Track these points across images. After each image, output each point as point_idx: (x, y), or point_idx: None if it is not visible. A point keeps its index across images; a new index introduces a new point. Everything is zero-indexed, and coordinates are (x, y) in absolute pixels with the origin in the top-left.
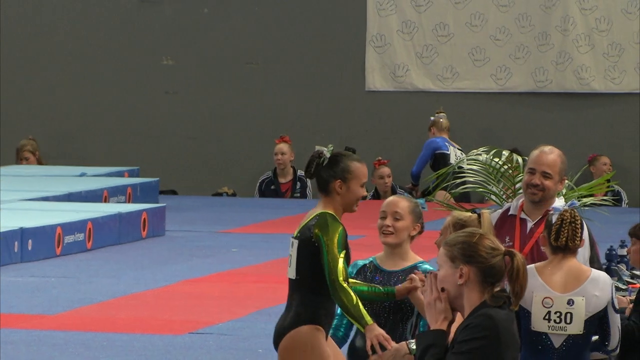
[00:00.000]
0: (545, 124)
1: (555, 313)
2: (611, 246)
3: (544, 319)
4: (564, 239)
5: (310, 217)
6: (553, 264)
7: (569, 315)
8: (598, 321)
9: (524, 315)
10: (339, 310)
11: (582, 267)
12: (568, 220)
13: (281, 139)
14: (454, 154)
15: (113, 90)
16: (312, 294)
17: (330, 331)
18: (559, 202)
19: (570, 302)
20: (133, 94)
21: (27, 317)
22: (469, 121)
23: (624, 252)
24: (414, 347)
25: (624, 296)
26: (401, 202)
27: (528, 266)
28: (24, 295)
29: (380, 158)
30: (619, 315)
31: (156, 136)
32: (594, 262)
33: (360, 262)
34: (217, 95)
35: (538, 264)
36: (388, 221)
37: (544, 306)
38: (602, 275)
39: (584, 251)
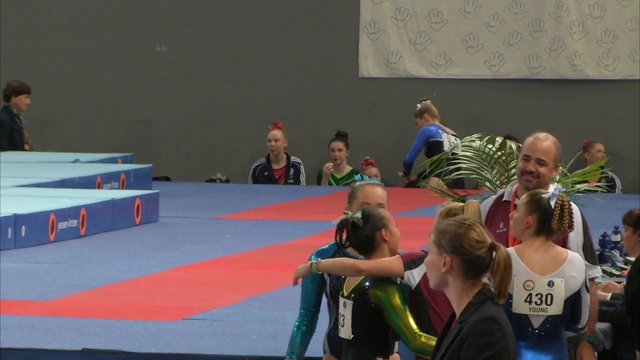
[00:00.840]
0: (538, 111)
1: (537, 295)
2: (605, 232)
3: (525, 301)
4: (567, 224)
5: (361, 278)
6: (534, 247)
7: (549, 296)
8: (572, 301)
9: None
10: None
11: (558, 248)
12: (566, 206)
13: (275, 126)
14: (448, 140)
15: (107, 77)
16: (368, 351)
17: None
18: (552, 188)
19: (550, 284)
20: (127, 81)
21: (21, 303)
22: (463, 108)
23: (617, 238)
24: None
25: (619, 282)
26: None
27: (509, 249)
28: (17, 281)
29: (368, 158)
30: (589, 295)
31: (150, 123)
32: (586, 249)
33: (324, 249)
34: (211, 82)
35: (517, 246)
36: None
37: (525, 289)
38: (577, 256)
39: (577, 237)
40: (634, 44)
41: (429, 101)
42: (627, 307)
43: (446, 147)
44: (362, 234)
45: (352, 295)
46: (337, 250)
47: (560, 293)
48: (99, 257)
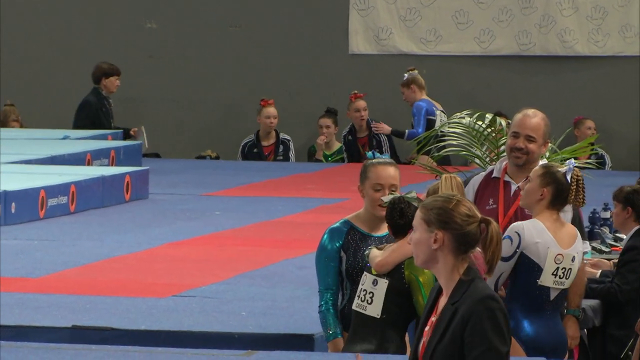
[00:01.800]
0: (528, 87)
1: (562, 269)
2: (594, 209)
3: (552, 274)
4: (581, 199)
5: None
6: (552, 220)
7: (570, 271)
8: None
9: (531, 270)
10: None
11: (567, 223)
12: (581, 181)
13: (266, 102)
14: (439, 119)
15: (96, 54)
16: (394, 331)
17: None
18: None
19: (573, 259)
20: (116, 58)
21: (10, 280)
22: (453, 84)
23: (607, 215)
24: None
25: (608, 259)
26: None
27: (535, 221)
28: (7, 258)
29: (356, 92)
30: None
31: (139, 99)
32: (575, 224)
33: (337, 227)
34: (201, 58)
35: (540, 219)
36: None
37: (556, 262)
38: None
39: (566, 213)
40: (624, 20)
41: (416, 71)
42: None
43: (437, 125)
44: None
45: (385, 275)
46: (351, 227)
47: (576, 268)
48: (89, 234)
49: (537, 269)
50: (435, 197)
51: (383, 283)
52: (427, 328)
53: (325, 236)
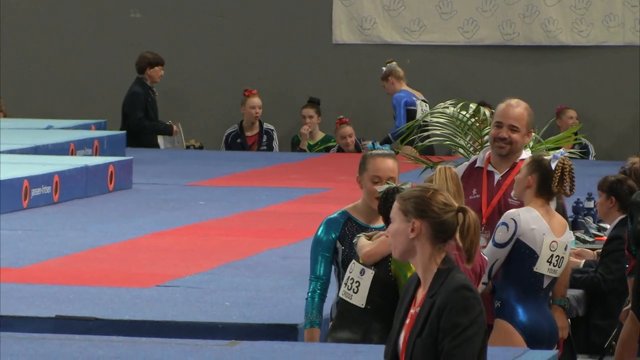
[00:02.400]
0: (512, 77)
1: (556, 257)
2: (578, 199)
3: (547, 261)
4: (566, 185)
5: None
6: (544, 209)
7: (562, 259)
8: None
9: (527, 257)
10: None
11: (556, 213)
12: (568, 169)
13: (250, 92)
14: (420, 108)
15: (80, 43)
16: (380, 322)
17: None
18: (525, 154)
19: (565, 248)
20: (101, 47)
21: None
22: (436, 74)
23: (591, 205)
24: None
25: (592, 249)
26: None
27: (529, 208)
28: None
29: (342, 117)
30: None
31: (124, 89)
32: (558, 212)
33: (334, 218)
34: (185, 48)
35: (533, 206)
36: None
37: (551, 250)
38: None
39: (551, 204)
40: (608, 10)
41: (394, 63)
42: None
43: (419, 114)
44: None
45: (373, 265)
46: (348, 218)
47: (567, 257)
48: (73, 224)
49: (533, 256)
50: (413, 188)
51: (369, 273)
52: (407, 321)
53: (322, 226)
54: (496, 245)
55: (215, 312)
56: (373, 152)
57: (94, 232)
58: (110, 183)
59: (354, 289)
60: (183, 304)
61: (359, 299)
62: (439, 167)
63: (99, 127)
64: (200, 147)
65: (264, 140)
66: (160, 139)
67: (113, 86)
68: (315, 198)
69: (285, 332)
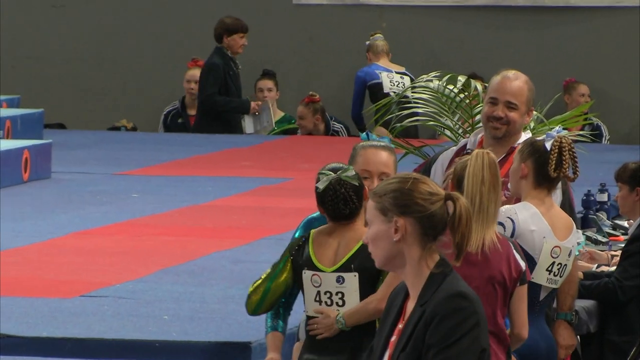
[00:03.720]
0: (509, 45)
1: (557, 265)
2: (589, 191)
3: (547, 270)
4: (567, 167)
5: (359, 245)
6: (543, 204)
7: (565, 268)
8: None
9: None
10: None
11: (562, 211)
12: (567, 148)
13: (194, 63)
14: (388, 80)
15: None
16: (370, 336)
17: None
18: (524, 137)
19: (569, 254)
20: (12, 9)
21: None
22: (418, 41)
23: (604, 197)
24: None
25: (603, 250)
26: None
27: (527, 204)
28: None
29: (312, 93)
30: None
31: (41, 59)
32: (565, 210)
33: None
34: (116, 9)
35: (532, 202)
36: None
37: (552, 256)
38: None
39: (555, 197)
40: None
41: (377, 36)
42: None
43: (387, 87)
44: (359, 198)
45: (352, 267)
46: None
47: (571, 265)
48: None
49: (530, 262)
50: (388, 181)
51: (352, 278)
52: (393, 338)
53: (301, 227)
54: None
55: (152, 327)
56: (365, 143)
57: (5, 231)
58: (25, 172)
59: (337, 302)
60: (113, 318)
61: None
62: (475, 151)
63: (11, 104)
64: (134, 129)
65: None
66: (246, 120)
67: (28, 55)
68: (272, 190)
69: (235, 352)
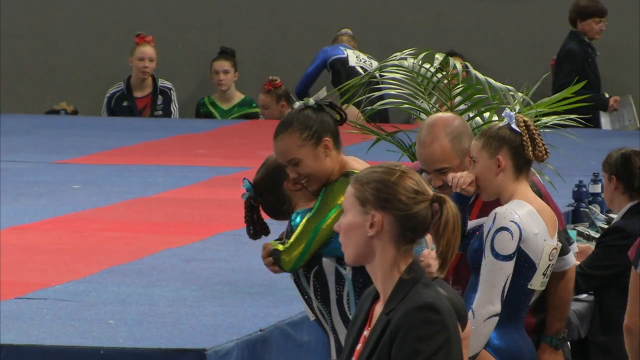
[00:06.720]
0: (490, 18)
1: (550, 267)
2: (580, 181)
3: (543, 274)
4: (543, 149)
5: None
6: (536, 202)
7: (552, 267)
8: None
9: (523, 270)
10: None
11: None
12: (532, 127)
13: (142, 39)
14: (354, 56)
15: None
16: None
17: None
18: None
19: (558, 252)
20: None
21: None
22: (389, 16)
23: (597, 188)
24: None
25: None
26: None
27: (522, 203)
28: None
29: (272, 77)
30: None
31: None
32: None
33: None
34: None
35: (521, 197)
36: None
37: (549, 259)
38: None
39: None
40: None
41: (344, 30)
42: None
43: (353, 63)
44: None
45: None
46: None
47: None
48: None
49: (531, 269)
50: (373, 168)
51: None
52: (359, 346)
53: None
54: (505, 258)
55: (96, 332)
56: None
57: None
58: None
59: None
60: (52, 322)
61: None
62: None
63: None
64: (74, 112)
65: (159, 102)
66: (604, 117)
67: None
68: (229, 180)
69: None
